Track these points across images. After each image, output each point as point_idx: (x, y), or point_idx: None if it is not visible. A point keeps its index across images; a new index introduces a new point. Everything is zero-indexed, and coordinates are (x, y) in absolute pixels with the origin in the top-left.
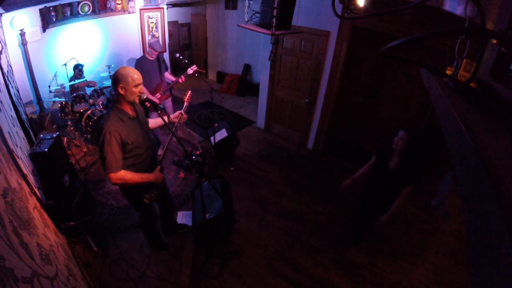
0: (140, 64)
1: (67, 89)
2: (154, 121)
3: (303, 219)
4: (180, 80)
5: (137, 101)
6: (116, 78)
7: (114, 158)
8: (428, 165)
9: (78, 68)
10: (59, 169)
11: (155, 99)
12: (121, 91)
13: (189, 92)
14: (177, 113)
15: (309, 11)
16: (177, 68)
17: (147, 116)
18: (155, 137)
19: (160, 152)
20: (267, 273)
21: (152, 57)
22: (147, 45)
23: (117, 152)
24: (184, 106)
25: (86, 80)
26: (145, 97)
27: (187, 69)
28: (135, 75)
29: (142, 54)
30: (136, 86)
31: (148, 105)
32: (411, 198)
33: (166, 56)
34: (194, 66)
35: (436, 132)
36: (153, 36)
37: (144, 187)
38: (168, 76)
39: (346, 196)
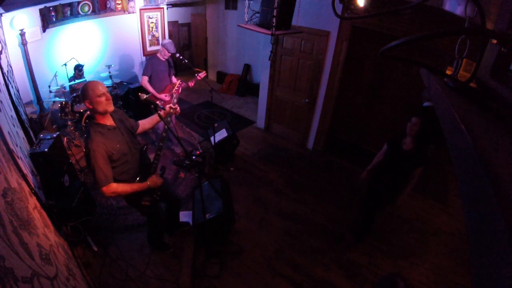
0: (151, 62)
1: (67, 89)
2: (147, 121)
3: (303, 219)
4: (190, 84)
5: (110, 109)
6: (81, 97)
7: (102, 172)
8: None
9: (78, 69)
10: (59, 169)
11: (163, 97)
12: (90, 106)
13: (178, 82)
14: (167, 107)
15: (309, 11)
16: (177, 68)
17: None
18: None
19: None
20: (267, 273)
21: (163, 58)
22: (160, 45)
23: (104, 166)
24: (174, 97)
25: (85, 80)
26: (145, 97)
27: (188, 70)
28: (95, 86)
29: (142, 54)
30: (100, 96)
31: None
32: (413, 199)
33: None
34: (204, 72)
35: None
36: (153, 36)
37: (141, 191)
38: (175, 81)
39: (363, 188)
